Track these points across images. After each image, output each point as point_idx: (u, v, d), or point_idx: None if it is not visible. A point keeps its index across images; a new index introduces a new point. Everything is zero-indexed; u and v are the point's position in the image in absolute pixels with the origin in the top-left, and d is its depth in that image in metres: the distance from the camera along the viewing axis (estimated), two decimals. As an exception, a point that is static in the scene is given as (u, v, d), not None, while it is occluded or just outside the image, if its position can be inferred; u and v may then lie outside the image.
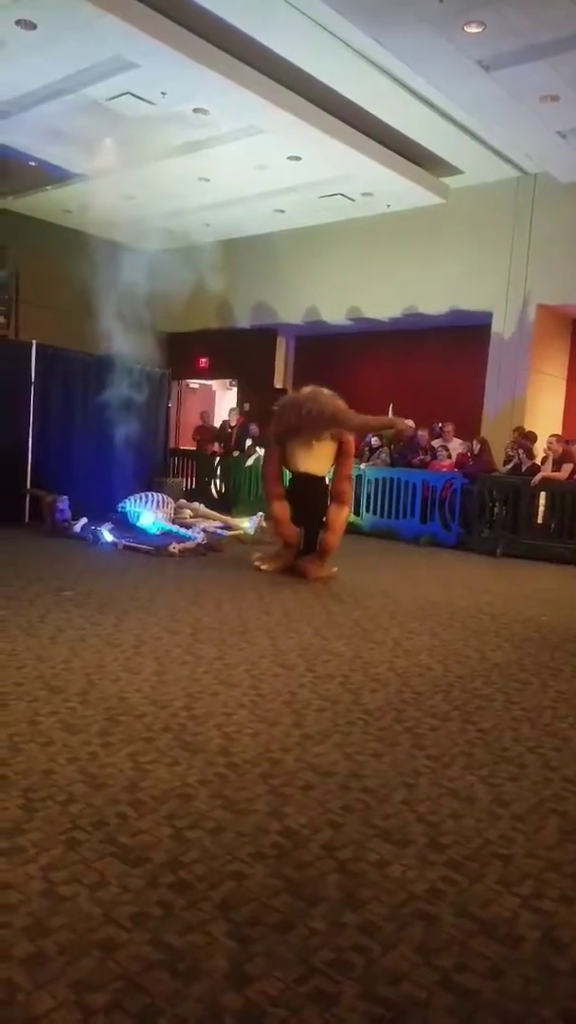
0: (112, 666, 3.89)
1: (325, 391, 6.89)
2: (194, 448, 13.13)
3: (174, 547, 7.63)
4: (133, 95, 8.89)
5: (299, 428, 6.71)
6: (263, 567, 7.00)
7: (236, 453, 12.08)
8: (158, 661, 4.02)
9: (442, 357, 12.94)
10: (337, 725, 3.27)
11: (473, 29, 7.31)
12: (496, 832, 2.45)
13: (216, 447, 12.66)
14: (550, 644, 4.96)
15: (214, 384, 16.32)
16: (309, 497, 6.96)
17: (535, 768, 2.98)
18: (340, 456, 6.96)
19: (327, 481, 7.14)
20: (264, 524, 9.45)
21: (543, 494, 9.11)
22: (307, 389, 7.00)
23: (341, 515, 6.97)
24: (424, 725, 3.36)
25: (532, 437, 10.05)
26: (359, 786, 2.71)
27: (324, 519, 6.95)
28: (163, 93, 8.84)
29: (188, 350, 15.20)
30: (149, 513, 8.75)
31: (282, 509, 6.98)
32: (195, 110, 9.24)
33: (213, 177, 11.44)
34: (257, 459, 11.44)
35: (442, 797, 2.67)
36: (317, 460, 6.90)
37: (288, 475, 7.20)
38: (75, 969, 1.72)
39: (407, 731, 3.27)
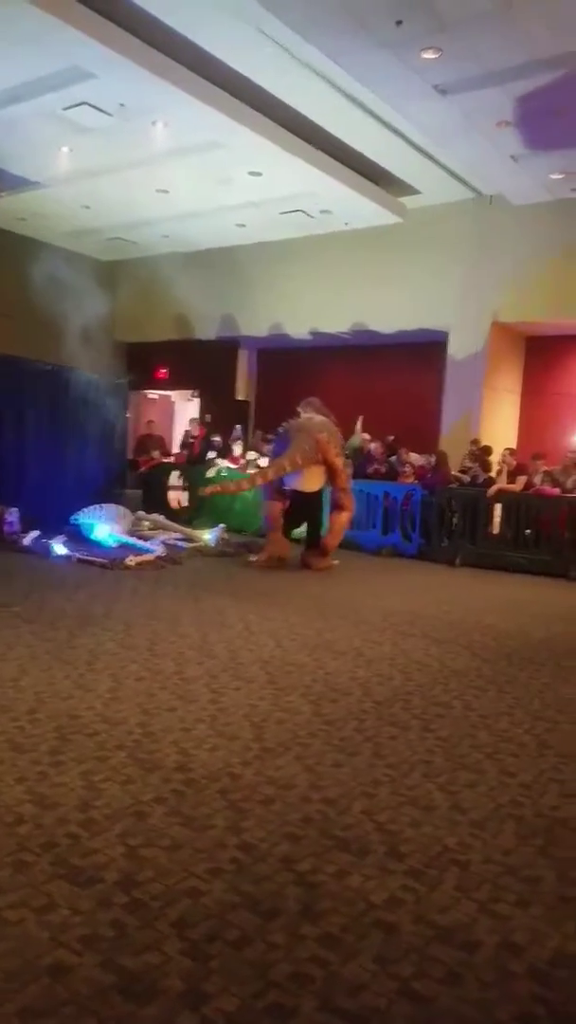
0: (63, 683, 3.81)
1: (315, 421, 8.10)
2: (139, 458, 12.60)
3: (131, 560, 7.53)
4: (90, 105, 8.85)
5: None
6: (253, 559, 8.19)
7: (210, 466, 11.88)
8: (113, 677, 3.94)
9: (401, 372, 13.10)
10: (297, 737, 3.25)
11: (430, 55, 7.47)
12: (454, 839, 2.46)
13: (168, 457, 12.51)
14: (507, 651, 5.02)
15: (174, 395, 16.25)
16: (305, 508, 8.29)
17: (492, 774, 3.00)
18: (332, 475, 8.11)
19: (321, 495, 8.32)
20: (226, 536, 9.42)
21: (498, 505, 9.25)
22: (302, 419, 8.25)
23: (340, 519, 8.32)
24: (384, 734, 3.36)
25: (488, 450, 10.21)
26: (319, 797, 2.69)
27: (326, 522, 8.36)
28: (121, 104, 8.81)
29: (148, 361, 15.13)
30: (105, 525, 8.62)
31: (274, 507, 8.26)
32: (154, 122, 9.23)
33: (172, 189, 11.43)
34: (219, 471, 11.39)
35: (401, 806, 2.67)
36: (306, 480, 8.05)
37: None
38: (22, 995, 1.66)
39: (367, 740, 3.27)
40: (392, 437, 11.17)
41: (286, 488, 8.21)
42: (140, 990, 1.70)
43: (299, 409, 8.66)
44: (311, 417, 8.24)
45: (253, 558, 8.26)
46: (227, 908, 2.01)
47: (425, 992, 1.75)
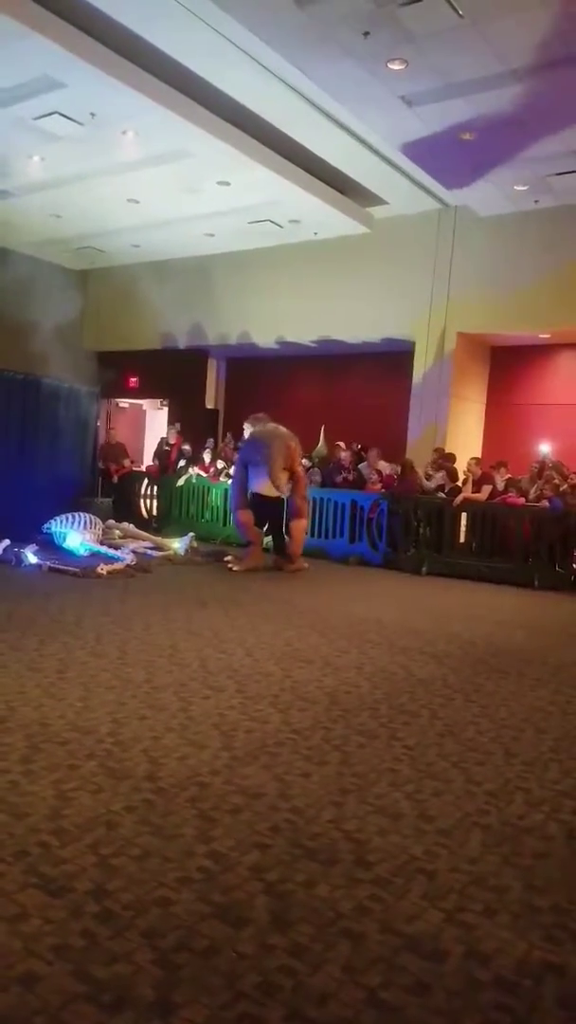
0: (34, 692, 3.79)
1: (282, 431, 8.58)
2: (107, 466, 12.37)
3: (101, 568, 7.49)
4: (61, 115, 8.82)
5: (259, 463, 8.38)
6: (235, 568, 8.37)
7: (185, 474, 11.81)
8: (83, 686, 3.93)
9: (368, 381, 13.24)
10: (266, 746, 3.27)
11: (396, 66, 7.59)
12: (421, 848, 2.50)
13: (144, 465, 12.46)
14: (472, 659, 5.10)
15: (144, 403, 16.20)
16: (267, 512, 8.64)
17: (459, 783, 3.05)
18: (294, 483, 8.57)
19: (281, 500, 8.65)
20: (195, 544, 9.41)
21: (464, 514, 9.38)
22: (269, 427, 8.62)
23: (300, 526, 8.71)
24: (352, 743, 3.39)
25: (451, 458, 10.35)
26: (287, 806, 2.72)
27: (286, 529, 8.68)
28: (92, 114, 8.81)
29: (119, 369, 15.07)
30: (76, 534, 8.56)
31: (246, 516, 8.64)
32: (124, 132, 9.24)
33: (142, 199, 11.43)
34: (188, 479, 11.40)
35: (369, 815, 2.71)
36: (269, 485, 8.44)
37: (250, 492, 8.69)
38: (-7, 1007, 1.66)
39: (335, 749, 3.30)
40: (360, 445, 11.24)
41: (250, 492, 8.57)
42: (110, 1000, 1.71)
43: (248, 424, 8.91)
44: (276, 427, 8.67)
45: (236, 567, 8.40)
46: (196, 918, 2.03)
47: (393, 1001, 1.78)
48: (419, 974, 1.88)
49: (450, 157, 9.56)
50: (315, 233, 12.43)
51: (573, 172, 9.64)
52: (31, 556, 7.72)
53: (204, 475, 11.36)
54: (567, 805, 2.91)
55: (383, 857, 2.42)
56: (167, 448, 12.49)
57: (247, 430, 8.97)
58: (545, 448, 11.40)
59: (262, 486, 8.48)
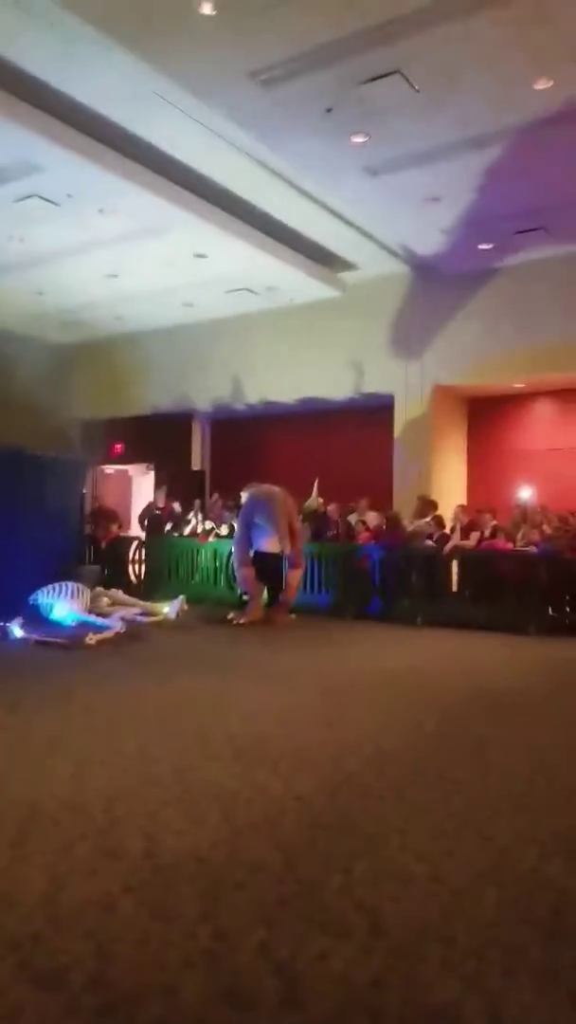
0: (22, 770, 3.65)
1: (277, 490, 9.10)
2: (95, 533, 12.39)
3: (90, 638, 7.36)
4: (40, 197, 9.12)
5: (263, 523, 8.81)
6: (240, 621, 8.75)
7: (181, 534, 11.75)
8: (74, 762, 3.80)
9: (352, 435, 13.39)
10: (268, 815, 3.15)
11: (359, 139, 7.96)
12: (436, 911, 2.39)
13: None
14: (476, 711, 5.00)
15: (130, 469, 16.28)
16: (269, 567, 9.11)
17: (470, 840, 2.94)
18: (291, 537, 8.98)
19: (281, 556, 9.12)
20: (186, 607, 9.30)
21: (455, 562, 9.35)
22: (264, 487, 9.17)
23: (296, 575, 9.19)
24: (356, 806, 3.28)
25: (433, 505, 10.38)
26: (293, 878, 2.60)
27: (283, 580, 9.16)
28: (69, 195, 9.11)
29: (105, 437, 15.20)
30: (63, 604, 8.44)
31: (250, 572, 9.05)
32: (100, 210, 9.54)
33: (121, 274, 11.73)
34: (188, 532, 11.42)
35: (379, 880, 2.59)
36: (276, 543, 8.93)
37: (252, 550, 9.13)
38: None
39: (340, 814, 3.19)
40: (352, 505, 11.17)
41: (254, 550, 8.95)
42: None
43: (245, 493, 9.28)
44: (271, 487, 9.11)
45: (241, 620, 8.75)
46: (203, 1003, 1.90)
47: (416, 1081, 1.67)
48: (443, 1052, 1.76)
49: (415, 221, 9.93)
50: (291, 299, 12.77)
51: (533, 230, 10.02)
52: (17, 630, 7.59)
53: (200, 530, 11.32)
54: (583, 857, 2.81)
55: (396, 925, 2.30)
56: (157, 511, 12.44)
57: (244, 498, 9.32)
58: (525, 493, 11.49)
59: (267, 544, 8.90)
